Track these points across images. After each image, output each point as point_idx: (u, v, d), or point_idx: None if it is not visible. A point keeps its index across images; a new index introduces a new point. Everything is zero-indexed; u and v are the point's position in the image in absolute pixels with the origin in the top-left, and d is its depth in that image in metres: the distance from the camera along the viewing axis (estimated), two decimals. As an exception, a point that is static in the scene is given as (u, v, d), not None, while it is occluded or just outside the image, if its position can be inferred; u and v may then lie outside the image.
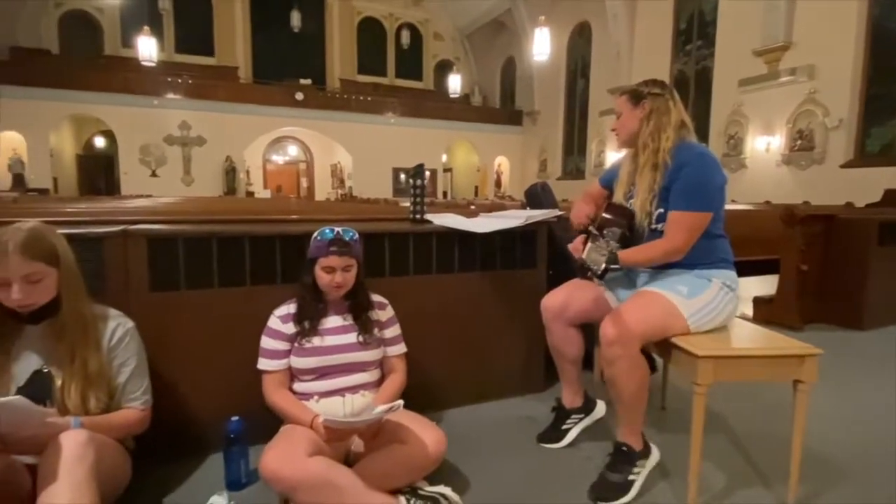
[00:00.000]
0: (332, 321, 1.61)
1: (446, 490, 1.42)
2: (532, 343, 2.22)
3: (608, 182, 1.85)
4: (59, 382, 1.28)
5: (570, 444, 1.83)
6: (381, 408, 1.40)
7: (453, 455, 1.62)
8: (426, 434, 1.43)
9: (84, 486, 1.07)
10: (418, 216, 2.12)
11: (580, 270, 1.48)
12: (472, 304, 2.12)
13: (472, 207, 5.26)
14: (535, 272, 2.21)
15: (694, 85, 10.98)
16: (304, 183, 17.63)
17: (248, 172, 15.20)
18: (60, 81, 12.43)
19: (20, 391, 1.24)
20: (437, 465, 1.46)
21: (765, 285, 3.78)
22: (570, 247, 1.64)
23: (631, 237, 1.59)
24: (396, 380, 1.67)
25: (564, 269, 2.15)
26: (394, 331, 1.71)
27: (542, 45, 10.05)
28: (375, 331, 1.65)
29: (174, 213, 2.67)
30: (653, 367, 2.25)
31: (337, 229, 1.56)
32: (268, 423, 1.53)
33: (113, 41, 14.59)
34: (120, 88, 13.01)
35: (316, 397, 1.56)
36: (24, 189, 11.60)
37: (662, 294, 1.54)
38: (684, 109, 1.64)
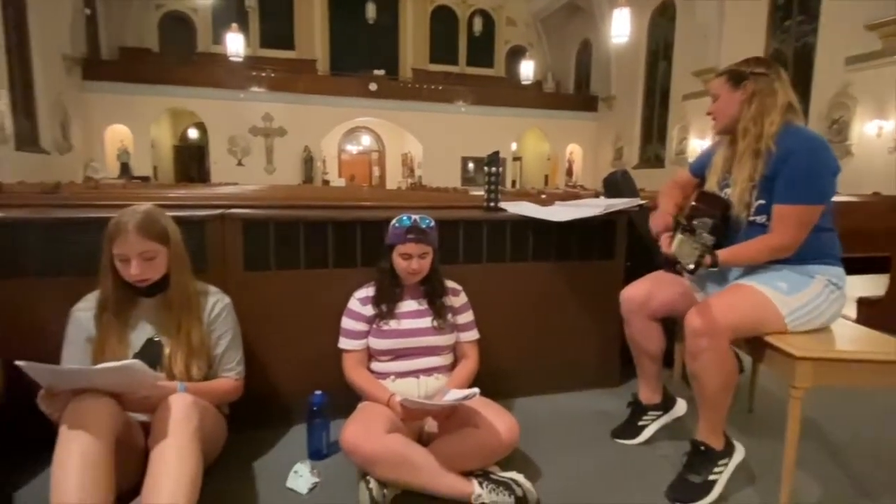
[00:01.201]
0: (408, 305, 1.66)
1: (518, 476, 1.42)
2: (608, 336, 2.16)
3: (700, 169, 1.73)
4: (167, 351, 1.42)
5: (646, 442, 1.77)
6: (458, 395, 1.42)
7: (525, 444, 1.61)
8: (499, 421, 1.45)
9: (190, 444, 1.18)
10: (492, 204, 2.11)
11: (667, 264, 1.40)
12: (545, 294, 2.10)
13: (543, 196, 5.18)
14: (613, 263, 2.14)
15: (792, 65, 10.03)
16: (375, 172, 18.11)
17: (324, 162, 15.83)
18: (160, 78, 13.57)
19: (136, 356, 1.38)
20: (509, 452, 1.47)
21: (870, 285, 3.41)
22: (662, 240, 1.56)
23: (724, 229, 1.49)
24: (468, 365, 1.70)
25: (644, 261, 2.06)
26: (467, 317, 1.73)
27: (621, 27, 9.60)
28: (449, 316, 1.68)
29: (262, 199, 2.85)
30: (739, 368, 2.12)
31: (414, 217, 1.59)
32: (348, 398, 1.61)
33: (205, 39, 15.65)
34: (211, 83, 13.97)
35: (392, 377, 1.62)
36: (129, 176, 12.81)
37: (759, 289, 1.42)
38: (792, 90, 1.48)
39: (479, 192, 6.42)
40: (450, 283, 1.72)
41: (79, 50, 12.51)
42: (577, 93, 17.58)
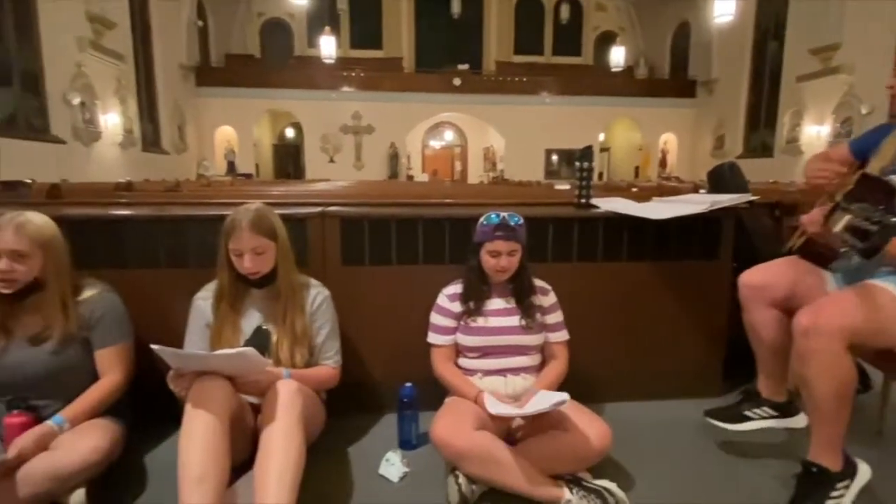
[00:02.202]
0: (496, 303, 1.65)
1: (611, 485, 1.37)
2: (710, 342, 2.02)
3: (862, 151, 1.51)
4: (274, 338, 1.53)
5: (754, 456, 1.63)
6: (547, 401, 1.39)
7: (617, 451, 1.55)
8: (590, 426, 1.41)
9: (296, 426, 1.27)
10: (584, 200, 2.04)
11: (801, 250, 1.23)
12: (641, 296, 1.99)
13: (635, 189, 4.92)
14: (718, 264, 1.99)
15: (937, 35, 8.66)
16: (457, 166, 18.25)
17: (408, 157, 16.22)
18: (261, 81, 14.63)
19: (246, 343, 1.51)
20: (599, 459, 1.43)
21: None
22: (805, 219, 1.39)
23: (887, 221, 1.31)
24: (557, 366, 1.66)
25: (753, 261, 1.89)
26: (556, 317, 1.70)
27: (725, 5, 8.84)
28: (538, 316, 1.65)
29: (354, 197, 2.97)
30: (866, 385, 1.89)
31: (503, 214, 1.58)
32: (436, 391, 1.64)
33: (301, 43, 16.60)
34: (306, 85, 14.81)
35: (479, 374, 1.63)
36: (234, 174, 13.98)
37: (890, 290, 1.25)
38: None
39: (564, 185, 6.25)
40: (539, 283, 1.70)
41: (192, 59, 13.81)
42: (672, 78, 16.47)
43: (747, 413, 1.63)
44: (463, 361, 1.67)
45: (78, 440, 1.33)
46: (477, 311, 1.63)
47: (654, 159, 16.63)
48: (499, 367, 1.62)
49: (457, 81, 15.38)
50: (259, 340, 1.52)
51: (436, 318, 1.68)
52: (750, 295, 1.55)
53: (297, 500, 1.19)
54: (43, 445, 1.30)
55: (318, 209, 1.83)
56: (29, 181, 4.13)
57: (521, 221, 1.60)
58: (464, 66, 16.01)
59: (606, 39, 16.70)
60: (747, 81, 13.43)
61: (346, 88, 15.02)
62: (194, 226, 1.79)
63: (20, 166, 6.57)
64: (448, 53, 16.41)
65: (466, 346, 1.65)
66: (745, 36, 13.09)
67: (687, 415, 1.93)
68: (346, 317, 1.73)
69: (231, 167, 14.62)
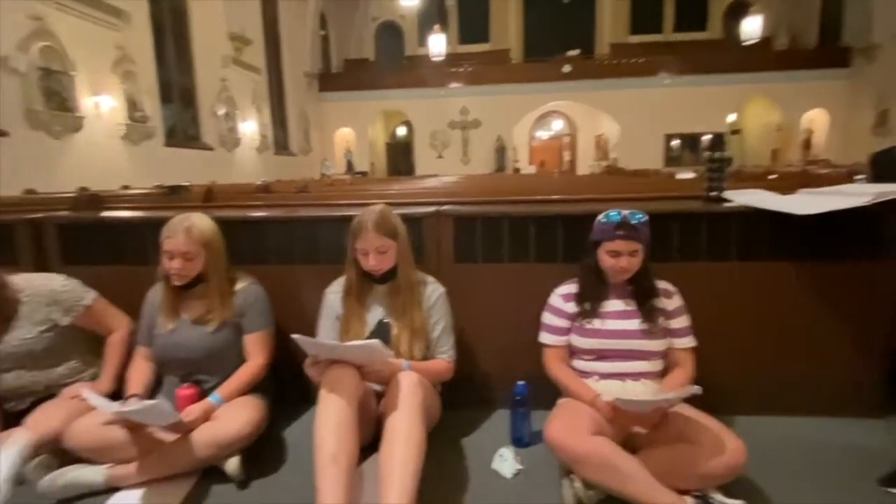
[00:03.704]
0: (614, 305, 1.59)
1: (745, 506, 1.26)
2: (868, 353, 1.76)
3: None
4: (394, 332, 1.62)
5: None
6: (676, 392, 1.31)
7: (751, 470, 1.41)
8: (722, 440, 1.30)
9: (418, 416, 1.35)
10: (714, 194, 1.87)
11: None
12: (782, 300, 1.79)
13: (772, 177, 4.41)
14: (882, 267, 1.72)
15: None
16: (566, 157, 17.70)
17: (514, 150, 16.09)
18: (376, 83, 15.45)
19: (370, 335, 1.62)
20: (732, 478, 1.31)
21: None
22: None
23: None
24: (682, 374, 1.56)
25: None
26: (681, 321, 1.59)
27: (892, -44, 7.49)
28: (660, 320, 1.56)
29: (462, 193, 3.03)
30: None
31: (624, 212, 1.51)
32: (547, 391, 1.63)
33: (412, 43, 17.21)
34: (416, 84, 15.34)
35: (596, 377, 1.58)
36: (352, 172, 14.94)
37: None
38: None
39: (687, 174, 5.76)
40: (662, 284, 1.60)
41: (315, 66, 15.00)
42: (819, 47, 14.37)
43: None
44: (577, 363, 1.63)
45: (234, 413, 1.54)
46: (593, 313, 1.58)
47: (796, 141, 14.67)
48: (616, 371, 1.56)
49: (566, 69, 14.88)
50: (381, 333, 1.63)
51: (548, 318, 1.66)
52: None
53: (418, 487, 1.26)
54: (206, 417, 1.52)
55: (433, 209, 1.90)
56: (187, 184, 4.81)
57: (645, 219, 1.51)
58: (574, 52, 15.43)
59: (737, 9, 15.06)
60: (922, 43, 11.28)
61: (453, 84, 15.28)
62: (322, 226, 1.95)
63: (180, 171, 7.67)
64: (557, 41, 15.94)
65: (581, 349, 1.60)
66: (919, -11, 10.99)
67: (836, 435, 1.71)
68: (460, 313, 1.78)
69: (349, 166, 15.65)
